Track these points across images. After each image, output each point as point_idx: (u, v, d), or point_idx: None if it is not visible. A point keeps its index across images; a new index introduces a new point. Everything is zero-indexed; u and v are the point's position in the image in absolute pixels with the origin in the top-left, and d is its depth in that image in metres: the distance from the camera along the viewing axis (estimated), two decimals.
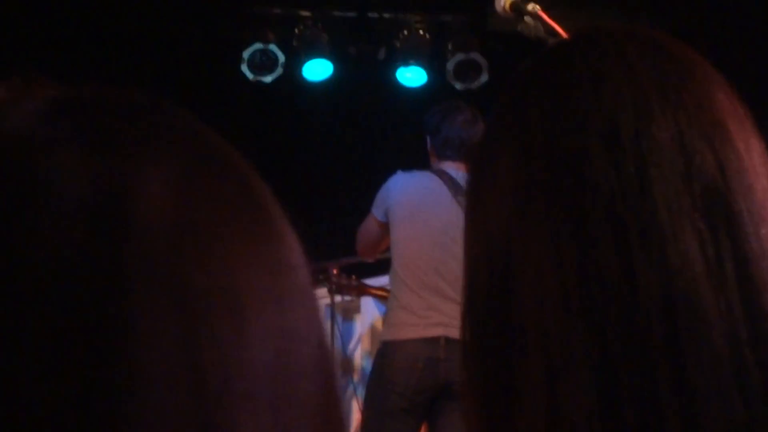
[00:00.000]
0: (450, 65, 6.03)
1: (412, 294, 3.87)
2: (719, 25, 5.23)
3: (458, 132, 4.05)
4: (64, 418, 0.40)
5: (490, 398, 0.74)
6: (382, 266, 4.63)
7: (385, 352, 3.90)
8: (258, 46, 5.99)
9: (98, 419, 0.41)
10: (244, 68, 6.01)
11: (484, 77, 6.02)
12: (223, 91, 6.52)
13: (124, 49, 6.15)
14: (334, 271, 4.75)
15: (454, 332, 3.87)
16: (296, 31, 6.08)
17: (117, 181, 0.46)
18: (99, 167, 0.46)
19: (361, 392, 4.96)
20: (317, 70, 6.10)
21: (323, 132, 6.81)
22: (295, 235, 0.54)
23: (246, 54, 5.99)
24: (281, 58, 6.01)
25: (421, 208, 3.94)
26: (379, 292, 4.49)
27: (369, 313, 5.04)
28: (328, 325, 4.98)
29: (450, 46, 6.08)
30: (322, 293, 5.00)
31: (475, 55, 6.00)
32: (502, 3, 2.01)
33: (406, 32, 6.07)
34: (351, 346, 5.17)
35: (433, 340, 3.82)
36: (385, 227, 4.04)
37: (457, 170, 4.03)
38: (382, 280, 4.77)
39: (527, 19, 1.91)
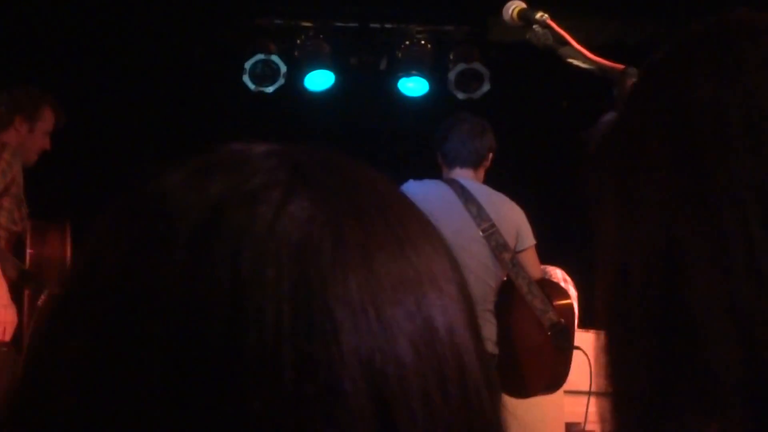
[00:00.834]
0: (451, 75, 6.05)
1: None
2: None
3: (464, 141, 4.08)
4: None
5: (664, 401, 0.71)
6: None
7: None
8: (260, 56, 6.00)
9: None
10: (246, 79, 6.02)
11: (485, 87, 6.03)
12: (226, 102, 6.53)
13: (127, 61, 6.16)
14: None
15: None
16: (298, 41, 6.10)
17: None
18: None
19: None
20: (319, 80, 6.11)
21: (325, 142, 6.79)
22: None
23: (248, 65, 6.00)
24: (283, 68, 6.03)
25: (431, 215, 3.94)
26: None
27: None
28: None
29: (451, 56, 6.09)
30: None
31: (477, 65, 6.01)
32: (510, 12, 2.03)
33: (407, 42, 6.08)
34: None
35: None
36: None
37: (466, 178, 4.05)
38: None
39: (536, 27, 1.92)
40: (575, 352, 3.82)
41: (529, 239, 4.00)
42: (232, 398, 0.45)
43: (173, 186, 0.53)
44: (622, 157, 0.76)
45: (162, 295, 0.47)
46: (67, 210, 4.53)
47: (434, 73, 6.12)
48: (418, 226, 0.55)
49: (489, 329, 3.90)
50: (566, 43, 1.83)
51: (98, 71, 6.07)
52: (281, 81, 6.03)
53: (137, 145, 5.89)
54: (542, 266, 4.11)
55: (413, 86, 6.14)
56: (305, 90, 6.13)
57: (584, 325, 4.10)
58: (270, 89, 6.07)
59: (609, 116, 0.83)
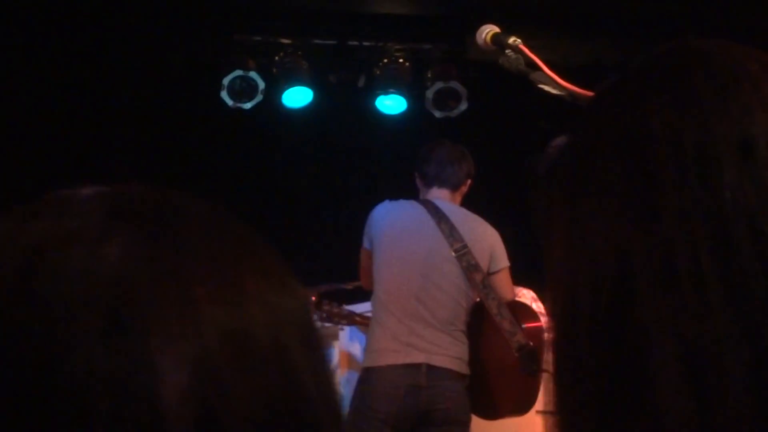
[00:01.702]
0: (429, 93, 6.06)
1: (393, 320, 3.89)
2: None
3: (444, 164, 4.11)
4: None
5: (607, 414, 0.71)
6: (363, 293, 4.64)
7: (366, 378, 3.90)
8: (238, 73, 6.01)
9: None
10: (224, 95, 6.02)
11: (463, 105, 6.05)
12: (203, 118, 6.52)
13: (105, 76, 6.15)
14: (313, 298, 4.75)
15: (436, 359, 3.88)
16: (276, 58, 6.10)
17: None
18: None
19: None
20: (297, 97, 6.12)
21: (303, 159, 6.82)
22: None
23: (226, 81, 6.01)
24: (261, 85, 6.03)
25: (404, 235, 3.97)
26: (366, 321, 4.49)
27: (347, 339, 5.03)
28: None
29: (429, 75, 6.11)
30: None
31: (455, 84, 6.03)
32: (483, 36, 2.04)
33: (385, 60, 6.10)
34: None
35: (415, 367, 3.82)
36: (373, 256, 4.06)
37: (442, 199, 4.07)
38: (362, 307, 4.77)
39: (508, 52, 1.94)
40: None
41: (503, 261, 4.01)
42: None
43: None
44: (573, 182, 0.77)
45: None
46: None
47: (412, 91, 6.14)
48: (241, 248, 0.57)
49: (461, 349, 3.91)
50: (538, 69, 1.84)
51: (76, 85, 6.05)
52: (259, 97, 6.04)
53: (115, 159, 5.87)
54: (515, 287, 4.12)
55: (391, 104, 6.15)
56: (283, 107, 6.13)
57: None
58: (248, 105, 6.07)
59: (559, 140, 0.83)
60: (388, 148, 6.27)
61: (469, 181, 4.17)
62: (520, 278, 4.16)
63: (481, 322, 3.96)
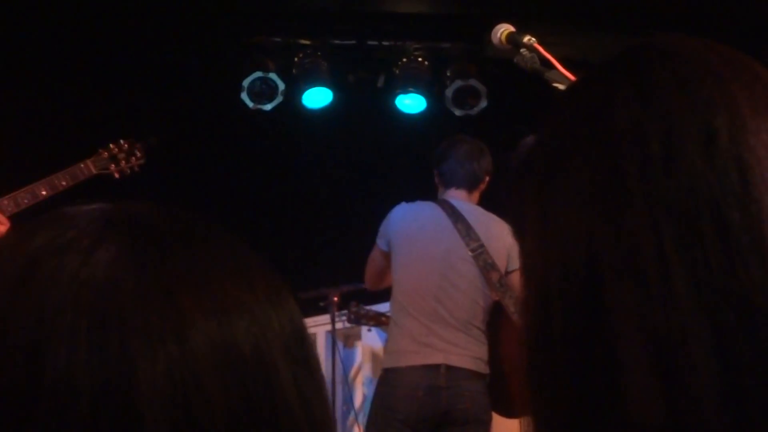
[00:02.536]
0: (449, 92, 6.07)
1: (412, 320, 3.89)
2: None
3: (462, 163, 4.09)
4: None
5: (579, 406, 0.72)
6: (383, 293, 4.65)
7: (386, 379, 3.91)
8: (258, 74, 6.03)
9: None
10: (245, 96, 6.05)
11: (483, 103, 6.05)
12: (224, 120, 6.55)
13: (126, 78, 6.18)
14: (335, 299, 4.76)
15: (455, 359, 3.88)
16: (296, 59, 6.12)
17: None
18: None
19: (362, 419, 4.96)
20: (317, 97, 6.13)
21: (323, 159, 6.83)
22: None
23: (246, 82, 6.03)
24: (281, 86, 6.05)
25: (421, 236, 3.97)
26: None
27: (370, 339, 5.04)
28: (327, 351, 4.98)
29: (449, 73, 6.11)
30: (323, 320, 5.01)
31: (474, 82, 6.03)
32: (498, 35, 2.05)
33: (405, 60, 6.10)
34: (352, 372, 5.17)
35: (434, 368, 3.82)
36: (389, 257, 4.06)
37: (459, 199, 4.06)
38: (382, 307, 4.78)
39: (523, 51, 1.94)
40: None
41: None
42: (33, 427, 0.51)
43: (4, 244, 0.59)
44: (542, 177, 0.78)
45: None
46: None
47: (431, 89, 6.14)
48: (229, 260, 0.59)
49: (479, 349, 3.91)
50: (553, 67, 1.84)
51: (97, 87, 6.08)
52: (279, 98, 6.06)
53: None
54: None
55: (411, 103, 6.15)
56: (303, 107, 6.15)
57: None
58: (268, 107, 6.09)
59: (530, 139, 0.84)
60: (409, 147, 6.27)
61: (487, 178, 4.16)
62: None
63: (499, 320, 3.96)
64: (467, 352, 3.86)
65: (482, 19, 5.75)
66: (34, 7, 5.72)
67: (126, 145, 4.18)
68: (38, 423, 0.50)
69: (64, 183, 3.91)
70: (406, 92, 6.11)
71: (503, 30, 2.03)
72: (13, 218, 3.72)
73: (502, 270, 3.94)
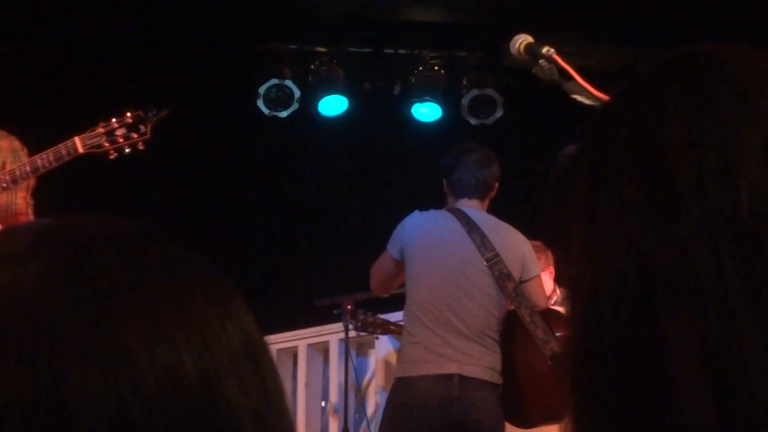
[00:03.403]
0: (465, 101, 6.07)
1: (426, 330, 3.88)
2: None
3: (472, 172, 4.07)
4: None
5: (628, 423, 0.70)
6: (397, 302, 4.64)
7: (398, 388, 3.90)
8: (274, 81, 6.04)
9: None
10: (260, 103, 6.06)
11: (498, 112, 6.05)
12: (240, 126, 6.56)
13: (142, 84, 6.20)
14: (348, 307, 4.76)
15: (468, 369, 3.86)
16: (312, 66, 6.13)
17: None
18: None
19: (374, 428, 4.95)
20: (332, 105, 6.14)
21: (338, 166, 6.84)
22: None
23: (262, 89, 6.04)
24: (297, 93, 6.06)
25: (436, 245, 3.96)
26: (401, 330, 4.50)
27: (383, 348, 5.03)
28: (340, 359, 4.98)
29: (465, 82, 6.11)
30: (336, 328, 5.00)
31: (490, 91, 6.03)
32: (516, 46, 2.04)
33: (421, 68, 6.11)
34: (365, 380, 5.16)
35: (447, 378, 3.81)
36: (399, 265, 4.05)
37: (472, 208, 4.04)
38: (395, 316, 4.77)
39: (542, 62, 1.93)
40: None
41: (534, 269, 3.98)
42: None
43: None
44: (590, 188, 0.76)
45: None
46: None
47: (447, 98, 6.14)
48: (169, 268, 0.57)
49: (493, 359, 3.89)
50: (571, 78, 1.83)
51: (113, 98, 6.10)
52: (295, 106, 6.07)
53: (153, 169, 5.91)
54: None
55: (426, 111, 6.15)
56: (319, 115, 6.15)
57: None
58: (284, 114, 6.10)
59: (570, 149, 0.82)
60: (424, 155, 6.27)
61: (496, 185, 4.15)
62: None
63: (514, 330, 3.94)
64: (481, 362, 3.85)
65: (498, 29, 5.75)
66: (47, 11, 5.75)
67: (130, 118, 3.45)
68: None
69: (46, 165, 3.31)
70: (421, 101, 6.11)
71: (522, 41, 2.02)
72: None
73: (517, 279, 3.93)
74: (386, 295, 4.42)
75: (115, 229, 0.58)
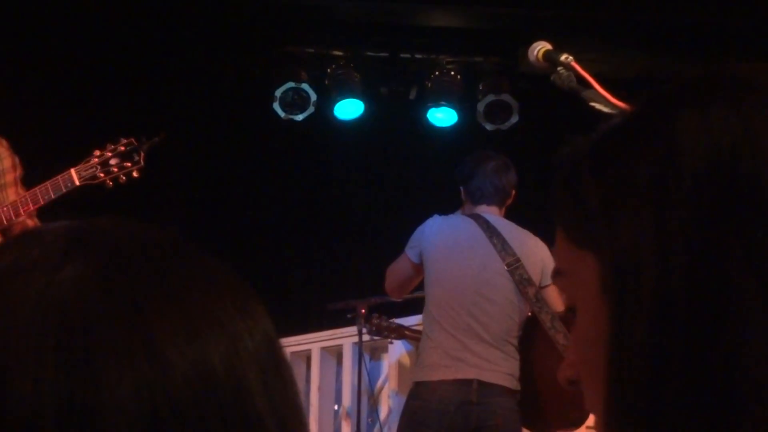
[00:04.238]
0: (481, 106, 6.07)
1: (445, 334, 3.88)
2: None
3: (491, 179, 4.07)
4: None
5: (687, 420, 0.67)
6: (411, 306, 4.64)
7: (416, 393, 3.90)
8: (290, 84, 6.05)
9: None
10: (276, 107, 6.07)
11: (514, 118, 6.05)
12: (256, 130, 6.58)
13: (158, 88, 6.22)
14: (362, 310, 4.76)
15: (487, 375, 3.86)
16: (328, 70, 6.14)
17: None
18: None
19: (387, 431, 4.95)
20: (349, 109, 6.14)
21: (354, 170, 6.85)
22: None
23: (278, 92, 6.05)
24: (313, 96, 6.07)
25: (456, 249, 3.96)
26: (415, 335, 4.49)
27: (396, 352, 5.03)
28: (352, 364, 4.98)
29: (481, 87, 6.11)
30: (350, 331, 5.01)
31: (506, 97, 6.03)
32: (535, 53, 2.05)
33: (437, 73, 6.11)
34: (378, 384, 5.17)
35: (466, 383, 3.81)
36: (417, 269, 4.06)
37: (491, 214, 4.05)
38: (410, 320, 4.78)
39: (560, 69, 1.94)
40: None
41: None
42: None
43: None
44: (655, 181, 0.71)
45: None
46: None
47: (463, 103, 6.14)
48: (198, 275, 0.59)
49: (512, 365, 3.89)
50: (590, 86, 1.84)
51: (130, 100, 6.12)
52: (311, 109, 6.07)
53: (168, 172, 5.94)
54: None
55: (442, 116, 6.15)
56: (335, 118, 6.16)
57: None
58: (300, 117, 6.11)
59: (576, 138, 0.81)
60: (439, 160, 6.27)
61: (513, 192, 4.15)
62: None
63: (534, 335, 3.94)
64: (500, 368, 3.84)
65: (515, 35, 5.75)
66: (59, 12, 5.78)
67: (123, 147, 3.55)
68: None
69: (45, 197, 3.43)
70: (437, 105, 6.11)
71: (540, 48, 2.03)
72: None
73: (537, 284, 3.93)
74: (399, 299, 4.42)
75: (142, 234, 0.60)
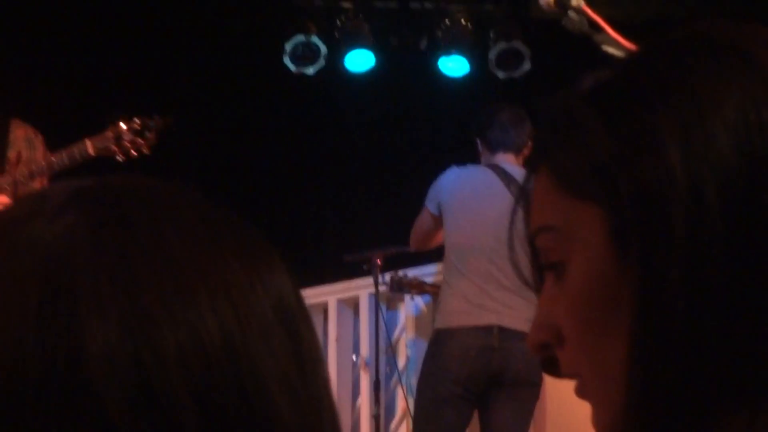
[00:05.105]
0: (492, 54, 6.03)
1: (465, 281, 3.91)
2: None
3: (507, 128, 4.09)
4: None
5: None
6: (426, 255, 4.66)
7: (438, 339, 3.94)
8: (300, 38, 6.02)
9: None
10: (287, 60, 6.04)
11: (526, 65, 6.01)
12: (266, 84, 6.56)
13: (167, 42, 6.21)
14: (378, 261, 4.78)
15: (508, 320, 3.89)
16: (338, 22, 6.10)
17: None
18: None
19: (405, 380, 4.99)
20: (359, 61, 6.11)
21: (366, 123, 6.83)
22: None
23: (288, 46, 6.02)
24: (323, 49, 6.04)
25: (474, 198, 3.99)
26: (436, 289, 4.51)
27: (412, 301, 5.07)
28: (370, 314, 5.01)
29: (492, 35, 6.07)
30: (366, 282, 5.03)
31: (518, 44, 5.99)
32: None
33: (447, 22, 6.07)
34: (395, 334, 5.20)
35: (486, 329, 3.84)
36: (438, 220, 4.08)
37: (508, 163, 4.07)
38: (426, 270, 4.80)
39: (571, 14, 1.92)
40: None
41: None
42: None
43: None
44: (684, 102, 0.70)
45: None
46: None
47: (474, 52, 6.10)
48: (200, 229, 0.56)
49: (532, 310, 3.91)
50: (602, 30, 1.83)
51: (139, 53, 6.12)
52: (322, 62, 6.05)
53: (180, 129, 5.94)
54: None
55: (453, 66, 6.12)
56: (345, 71, 6.14)
57: None
58: (311, 70, 6.09)
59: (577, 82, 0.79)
60: (452, 109, 6.26)
61: (530, 143, 4.16)
62: None
63: None
64: (520, 314, 3.86)
65: None
66: None
67: (137, 124, 3.75)
68: None
69: (60, 164, 3.67)
70: (448, 55, 6.08)
71: None
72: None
73: None
74: (426, 251, 4.44)
75: (146, 188, 0.58)
